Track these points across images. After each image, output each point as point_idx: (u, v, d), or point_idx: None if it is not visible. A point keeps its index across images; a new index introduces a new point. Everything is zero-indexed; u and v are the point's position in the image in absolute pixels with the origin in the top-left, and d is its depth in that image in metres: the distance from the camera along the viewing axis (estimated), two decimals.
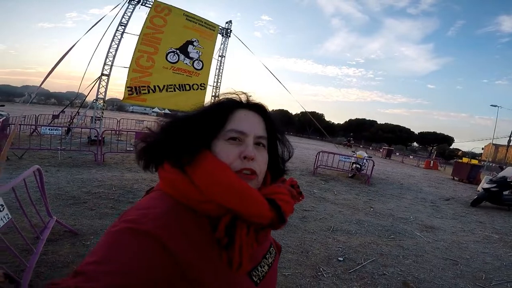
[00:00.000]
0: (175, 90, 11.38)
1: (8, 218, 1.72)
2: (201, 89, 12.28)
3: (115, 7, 10.03)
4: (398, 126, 61.66)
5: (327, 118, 73.68)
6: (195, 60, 11.65)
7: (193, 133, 0.52)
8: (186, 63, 11.43)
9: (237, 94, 0.60)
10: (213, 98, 13.42)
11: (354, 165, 9.61)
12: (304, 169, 9.93)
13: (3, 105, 10.61)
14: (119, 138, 10.91)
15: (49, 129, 7.09)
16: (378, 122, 66.61)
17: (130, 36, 10.37)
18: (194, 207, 0.47)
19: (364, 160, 9.82)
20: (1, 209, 1.66)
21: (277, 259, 0.63)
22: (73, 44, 8.09)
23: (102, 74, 9.94)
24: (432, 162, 22.58)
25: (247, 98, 0.60)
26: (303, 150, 20.18)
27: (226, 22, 13.40)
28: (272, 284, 0.57)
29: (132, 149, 8.36)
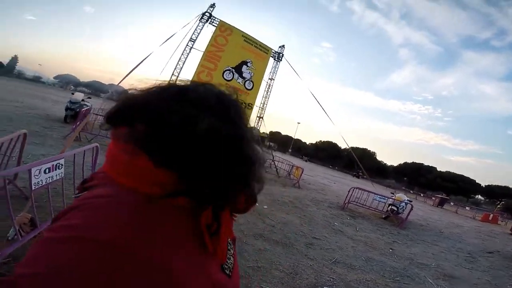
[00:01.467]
0: None
1: (61, 175, 2.35)
2: (248, 108, 13.07)
3: (187, 24, 11.64)
4: (461, 176, 55.16)
5: (379, 157, 69.16)
6: (247, 80, 12.61)
7: None
8: (239, 82, 12.43)
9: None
10: (257, 118, 14.26)
11: (390, 207, 9.02)
12: (334, 203, 9.63)
13: (89, 97, 12.84)
14: None
15: None
16: (438, 169, 59.90)
17: (196, 51, 11.84)
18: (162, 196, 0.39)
19: (403, 203, 9.13)
20: (60, 167, 2.30)
21: (235, 250, 0.59)
22: (149, 54, 9.63)
23: None
24: (492, 215, 19.47)
25: None
26: (343, 185, 19.36)
27: (279, 47, 14.21)
28: (238, 276, 0.54)
29: None
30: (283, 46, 14.17)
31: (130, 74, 7.98)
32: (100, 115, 10.36)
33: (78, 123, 7.83)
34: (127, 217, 0.35)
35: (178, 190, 0.38)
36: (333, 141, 72.07)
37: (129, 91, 0.43)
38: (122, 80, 7.68)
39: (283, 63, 14.17)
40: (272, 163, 13.63)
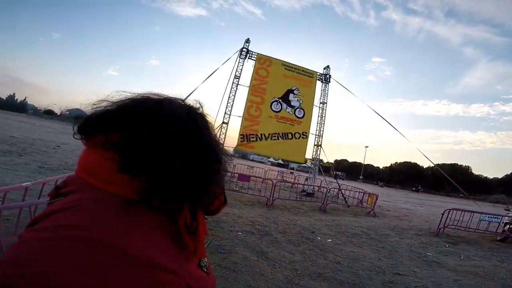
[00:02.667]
0: (278, 139, 12.14)
1: None
2: (303, 137, 12.61)
3: (227, 60, 12.40)
4: None
5: (476, 171, 57.90)
6: (296, 108, 12.40)
7: None
8: (288, 112, 12.31)
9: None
10: (315, 147, 13.59)
11: (508, 226, 7.18)
12: (424, 229, 7.95)
13: None
14: (232, 180, 12.51)
15: None
16: None
17: (242, 87, 12.32)
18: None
19: None
20: None
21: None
22: (193, 90, 10.42)
23: (223, 122, 12.19)
24: None
25: None
26: (433, 208, 16.25)
27: (324, 68, 13.73)
28: (213, 275, 0.56)
29: (237, 189, 9.48)
30: (328, 66, 13.72)
31: None
32: None
33: None
34: (115, 218, 0.37)
35: (151, 194, 0.40)
36: (411, 161, 64.45)
37: (103, 103, 0.46)
38: None
39: (333, 84, 13.66)
40: (339, 192, 12.44)
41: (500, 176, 55.37)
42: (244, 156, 78.57)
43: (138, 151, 0.40)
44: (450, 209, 7.74)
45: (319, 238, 5.29)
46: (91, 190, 0.41)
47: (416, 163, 62.91)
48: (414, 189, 45.23)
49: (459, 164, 56.80)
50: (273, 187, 8.43)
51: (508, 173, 53.91)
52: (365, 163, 67.91)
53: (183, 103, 0.50)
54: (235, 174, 11.09)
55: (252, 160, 66.10)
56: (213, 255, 3.45)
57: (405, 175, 60.08)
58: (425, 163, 65.18)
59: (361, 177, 60.07)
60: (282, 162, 70.10)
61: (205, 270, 0.49)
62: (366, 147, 65.69)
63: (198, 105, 0.52)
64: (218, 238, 4.11)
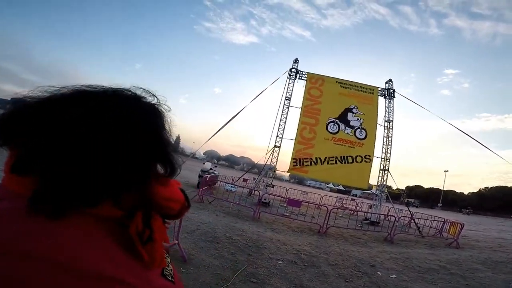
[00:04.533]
0: (336, 163, 11.23)
1: None
2: (366, 161, 11.42)
3: (275, 80, 12.31)
4: None
5: None
6: (356, 129, 11.40)
7: None
8: (347, 133, 11.38)
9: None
10: (381, 172, 12.10)
11: None
12: None
13: (216, 166, 15.27)
14: (283, 205, 12.02)
15: (229, 186, 9.31)
16: None
17: (293, 108, 11.97)
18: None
19: None
20: None
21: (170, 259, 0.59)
22: (241, 109, 10.60)
23: (275, 146, 12.06)
24: None
25: None
26: None
27: (386, 82, 12.47)
28: (181, 283, 0.54)
29: (287, 214, 8.98)
30: (390, 80, 12.41)
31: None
32: (224, 182, 11.95)
33: (203, 188, 9.15)
34: (41, 227, 0.34)
35: (41, 197, 0.35)
36: (507, 185, 54.77)
37: (24, 97, 0.41)
38: (212, 137, 8.83)
39: (399, 102, 12.30)
40: (411, 220, 10.60)
41: None
42: (300, 182, 76.35)
43: (30, 148, 0.36)
44: None
45: (379, 273, 4.40)
46: (16, 199, 0.37)
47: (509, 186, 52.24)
48: (459, 210, 42.15)
49: None
50: (328, 213, 7.65)
51: None
52: (444, 189, 58.57)
53: (124, 93, 0.46)
54: (285, 199, 10.61)
55: (309, 186, 63.56)
56: (244, 284, 3.11)
57: (498, 201, 52.04)
58: None
59: (439, 204, 51.93)
60: (344, 189, 65.35)
61: (170, 278, 0.48)
62: (446, 171, 56.85)
63: (145, 94, 0.48)
64: (254, 265, 3.76)
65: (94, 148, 0.37)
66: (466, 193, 66.73)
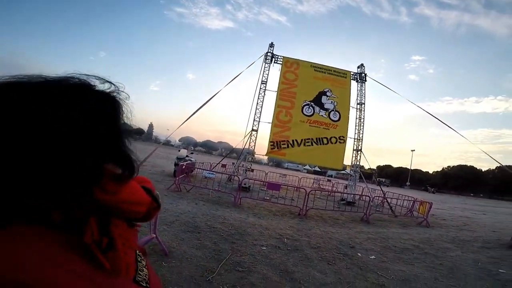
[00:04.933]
0: (312, 144, 11.50)
1: None
2: (340, 142, 11.78)
3: (250, 65, 12.15)
4: None
5: None
6: (331, 111, 11.63)
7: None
8: (322, 115, 11.59)
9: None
10: (355, 152, 12.56)
11: None
12: (492, 240, 6.81)
13: (192, 153, 14.90)
14: (263, 189, 12.08)
15: (207, 173, 9.11)
16: None
17: (270, 92, 11.97)
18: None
19: None
20: None
21: (148, 262, 0.56)
22: (213, 95, 10.21)
23: (253, 130, 11.93)
24: None
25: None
26: (499, 215, 14.38)
27: (358, 67, 12.81)
28: (159, 286, 0.53)
29: (268, 198, 9.04)
30: (362, 65, 12.74)
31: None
32: (202, 168, 11.68)
33: (180, 176, 8.84)
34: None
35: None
36: (467, 164, 58.80)
37: None
38: (184, 122, 8.50)
39: (370, 86, 12.72)
40: (384, 200, 11.24)
41: None
42: (278, 165, 77.79)
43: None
44: None
45: (359, 254, 4.57)
46: None
47: (473, 166, 57.60)
48: (424, 188, 43.74)
49: None
50: (307, 196, 7.79)
51: None
52: (412, 168, 62.82)
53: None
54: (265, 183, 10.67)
55: (287, 168, 65.02)
56: (229, 274, 3.04)
57: (461, 180, 55.71)
58: (483, 166, 59.34)
59: (408, 183, 55.69)
60: (319, 170, 67.77)
61: (144, 284, 0.46)
62: (413, 150, 60.64)
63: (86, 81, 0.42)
64: (239, 253, 3.70)
65: (28, 145, 0.32)
66: (431, 172, 71.34)
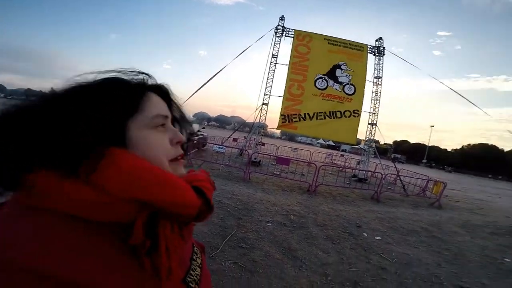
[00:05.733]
0: (325, 118, 11.26)
1: None
2: (354, 116, 11.44)
3: (260, 38, 11.73)
4: None
5: None
6: (345, 85, 11.16)
7: (95, 125, 0.38)
8: (336, 89, 11.16)
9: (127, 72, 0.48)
10: (369, 126, 12.17)
11: None
12: (504, 227, 6.55)
13: (204, 128, 15.08)
14: (273, 163, 12.13)
15: (217, 147, 9.21)
16: None
17: (281, 66, 11.64)
18: (89, 217, 0.36)
19: None
20: None
21: (204, 259, 0.57)
22: (223, 67, 10.08)
23: (263, 103, 11.74)
24: None
25: (149, 77, 0.51)
26: None
27: (376, 40, 12.06)
28: (208, 285, 0.53)
29: (277, 173, 9.10)
30: (381, 38, 11.93)
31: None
32: (213, 143, 11.82)
33: (191, 151, 8.99)
34: (30, 234, 0.32)
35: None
36: (489, 143, 55.36)
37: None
38: (193, 94, 8.50)
39: (389, 61, 11.95)
40: (397, 177, 11.04)
41: None
42: (291, 138, 77.57)
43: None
44: None
45: (365, 234, 4.58)
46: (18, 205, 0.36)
47: (495, 145, 54.07)
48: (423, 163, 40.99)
49: None
50: (317, 171, 7.75)
51: None
52: (429, 145, 60.55)
53: None
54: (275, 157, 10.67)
55: (300, 142, 64.71)
56: (233, 250, 3.15)
57: (480, 160, 52.82)
58: (505, 146, 56.14)
59: (424, 160, 54.27)
60: (333, 144, 67.02)
61: (192, 285, 0.46)
62: (432, 126, 57.80)
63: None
64: (244, 230, 3.81)
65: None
66: (449, 149, 68.20)
